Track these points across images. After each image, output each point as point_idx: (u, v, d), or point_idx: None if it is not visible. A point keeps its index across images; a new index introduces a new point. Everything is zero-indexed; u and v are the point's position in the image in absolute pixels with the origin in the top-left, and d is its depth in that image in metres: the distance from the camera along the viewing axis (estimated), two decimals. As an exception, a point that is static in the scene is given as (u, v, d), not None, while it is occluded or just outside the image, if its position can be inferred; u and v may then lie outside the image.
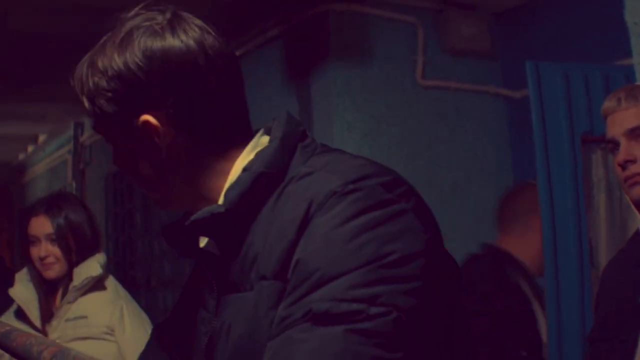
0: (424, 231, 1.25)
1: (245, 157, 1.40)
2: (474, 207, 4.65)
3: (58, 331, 3.02)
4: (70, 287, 3.07)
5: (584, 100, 3.70)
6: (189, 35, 1.37)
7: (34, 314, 3.08)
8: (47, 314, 3.08)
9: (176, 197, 1.45)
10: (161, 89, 1.36)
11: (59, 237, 3.09)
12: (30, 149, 9.87)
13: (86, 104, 1.45)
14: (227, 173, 1.41)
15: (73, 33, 5.24)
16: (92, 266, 3.13)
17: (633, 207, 2.33)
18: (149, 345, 1.65)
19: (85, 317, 3.05)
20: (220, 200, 1.38)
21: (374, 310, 1.15)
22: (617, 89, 2.32)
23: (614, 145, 2.26)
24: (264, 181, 1.35)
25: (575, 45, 4.31)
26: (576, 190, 3.63)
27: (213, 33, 1.40)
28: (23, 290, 3.13)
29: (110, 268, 3.36)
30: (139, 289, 6.65)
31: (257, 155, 1.38)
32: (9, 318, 3.10)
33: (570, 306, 3.56)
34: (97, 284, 3.13)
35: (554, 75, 3.67)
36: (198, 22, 1.41)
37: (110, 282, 3.19)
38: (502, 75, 4.81)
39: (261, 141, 1.43)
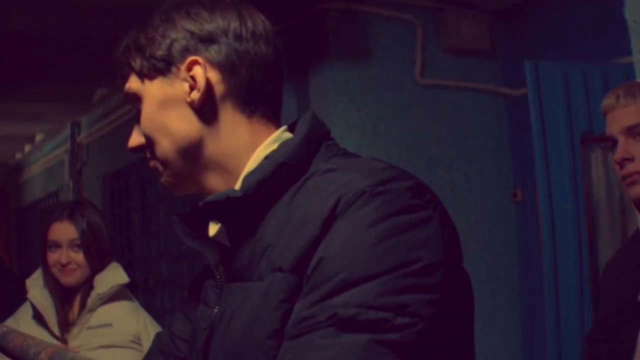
0: (447, 241, 1.23)
1: (266, 147, 1.38)
2: (473, 206, 4.64)
3: (79, 339, 2.98)
4: (93, 294, 3.03)
5: (583, 99, 3.70)
6: (250, 14, 1.43)
7: (52, 321, 3.04)
8: (64, 321, 3.05)
9: (189, 175, 1.42)
10: (210, 38, 1.38)
11: (83, 243, 3.06)
12: (27, 148, 9.87)
13: (135, 60, 1.41)
14: (250, 152, 1.38)
15: (71, 33, 5.24)
16: (118, 274, 3.10)
17: (633, 205, 2.32)
18: (149, 351, 1.63)
19: (109, 324, 3.01)
20: (237, 186, 1.36)
21: (400, 320, 1.12)
22: (616, 86, 2.31)
23: (613, 143, 2.25)
24: (285, 172, 1.32)
25: (575, 44, 4.31)
26: (575, 189, 3.63)
27: (264, 21, 1.45)
28: (40, 296, 3.09)
29: None
30: (136, 289, 6.64)
31: (280, 145, 1.37)
32: (28, 322, 3.06)
33: (570, 305, 3.56)
34: (122, 293, 3.09)
35: (553, 74, 3.66)
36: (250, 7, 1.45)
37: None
38: (502, 74, 4.81)
39: (283, 135, 1.41)
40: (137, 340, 3.04)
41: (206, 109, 1.37)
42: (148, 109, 1.41)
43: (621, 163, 2.21)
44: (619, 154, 2.21)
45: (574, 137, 3.66)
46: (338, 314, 1.12)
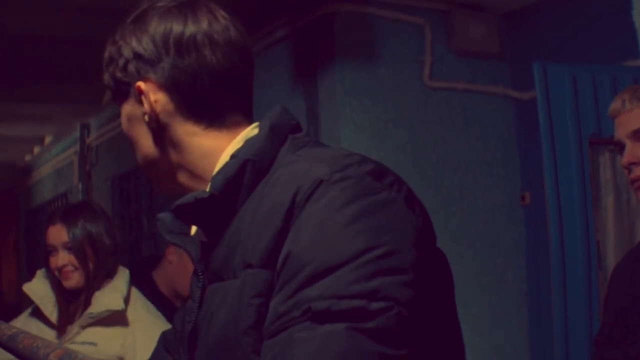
0: (415, 221, 1.23)
1: (235, 145, 1.39)
2: (482, 209, 4.64)
3: None
4: (87, 312, 3.02)
5: (592, 101, 3.69)
6: (197, 19, 1.42)
7: (48, 309, 3.04)
8: (65, 316, 3.04)
9: (164, 178, 1.48)
10: (154, 59, 1.41)
11: (74, 246, 3.05)
12: (36, 150, 9.88)
13: (105, 77, 1.52)
14: (216, 154, 1.40)
15: (79, 34, 5.25)
16: (114, 298, 3.06)
17: None
18: (155, 351, 1.64)
19: (94, 344, 2.99)
20: (208, 187, 1.37)
21: (375, 305, 1.12)
22: (623, 90, 2.31)
23: (621, 147, 2.25)
24: (250, 168, 1.34)
25: (583, 46, 4.30)
26: (584, 192, 3.63)
27: (223, 21, 1.44)
28: (40, 286, 3.09)
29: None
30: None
31: (245, 142, 1.38)
32: (25, 320, 3.07)
33: (578, 308, 3.55)
34: (115, 317, 3.07)
35: (561, 76, 3.66)
36: (211, 7, 1.45)
37: (131, 306, 3.12)
38: (510, 77, 4.80)
39: (251, 133, 1.41)
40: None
41: (159, 129, 1.42)
42: (122, 122, 1.50)
43: (628, 167, 2.21)
44: (625, 158, 2.21)
45: (582, 139, 3.66)
46: (312, 308, 1.12)
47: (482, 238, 4.60)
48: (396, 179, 1.26)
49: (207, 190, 1.36)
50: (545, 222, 4.04)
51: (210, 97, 1.41)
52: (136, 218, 7.26)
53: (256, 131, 1.41)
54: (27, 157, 10.35)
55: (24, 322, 3.02)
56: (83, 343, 2.97)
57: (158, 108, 1.40)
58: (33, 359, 1.40)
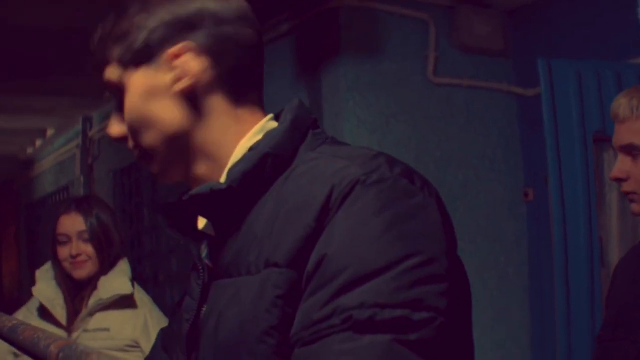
0: (446, 227, 1.19)
1: (251, 138, 1.35)
2: (484, 204, 4.64)
3: (79, 341, 2.98)
4: (95, 297, 3.03)
5: (596, 98, 3.68)
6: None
7: (59, 312, 3.04)
8: (73, 314, 3.04)
9: (176, 164, 1.39)
10: (191, 23, 1.33)
11: (92, 235, 3.06)
12: (38, 143, 9.89)
13: (113, 50, 1.37)
14: (236, 141, 1.35)
15: (81, 26, 5.24)
16: (122, 282, 3.07)
17: None
18: (153, 348, 1.61)
19: (106, 329, 3.01)
20: (223, 177, 1.33)
21: (417, 316, 1.08)
22: (628, 89, 2.27)
23: None
24: (269, 162, 1.28)
25: (588, 43, 4.29)
26: (587, 189, 3.62)
27: (245, 4, 1.40)
28: (47, 289, 3.09)
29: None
30: (146, 284, 6.65)
31: (264, 135, 1.33)
32: (30, 317, 3.06)
33: (580, 304, 3.55)
34: (123, 301, 3.08)
35: (566, 72, 3.65)
36: None
37: (135, 291, 3.15)
38: (514, 73, 4.80)
39: (268, 125, 1.37)
40: (133, 344, 3.03)
41: (193, 99, 1.34)
42: (131, 100, 1.36)
43: (617, 182, 2.19)
44: (612, 172, 2.18)
45: (586, 136, 3.65)
46: (354, 316, 1.08)
47: (484, 233, 4.60)
48: (425, 181, 1.23)
49: (222, 181, 1.31)
50: (547, 218, 4.04)
51: (242, 71, 1.36)
52: (137, 211, 7.27)
53: (273, 124, 1.37)
54: (29, 150, 10.35)
55: (34, 324, 3.01)
56: (95, 330, 2.99)
57: (196, 74, 1.33)
58: (34, 351, 1.39)
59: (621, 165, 2.16)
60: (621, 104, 2.16)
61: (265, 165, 1.28)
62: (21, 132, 9.18)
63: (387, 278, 1.09)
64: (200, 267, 1.36)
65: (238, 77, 1.36)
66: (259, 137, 1.34)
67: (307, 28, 4.56)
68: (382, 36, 4.47)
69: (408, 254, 1.11)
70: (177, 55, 1.33)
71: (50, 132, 9.23)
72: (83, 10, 4.91)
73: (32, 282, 3.17)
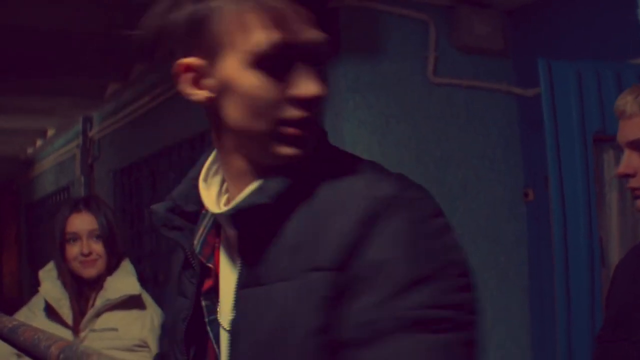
0: None
1: None
2: (484, 204, 4.64)
3: (87, 341, 2.99)
4: (102, 298, 3.03)
5: (596, 98, 3.69)
6: None
7: (65, 312, 3.04)
8: (79, 314, 3.04)
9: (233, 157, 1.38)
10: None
11: (102, 233, 3.07)
12: (38, 143, 9.89)
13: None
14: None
15: (81, 27, 5.25)
16: (130, 282, 3.09)
17: None
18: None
19: (114, 329, 3.01)
20: (250, 189, 1.33)
21: (467, 318, 1.19)
22: (629, 88, 2.28)
23: (622, 148, 2.23)
24: (298, 175, 1.32)
25: (588, 43, 4.29)
26: (587, 189, 3.62)
27: None
28: (53, 289, 3.09)
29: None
30: (146, 284, 6.64)
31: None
32: (33, 317, 3.06)
33: (580, 305, 3.55)
34: (132, 301, 3.09)
35: (566, 73, 3.65)
36: None
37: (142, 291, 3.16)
38: (514, 73, 4.80)
39: None
40: (142, 344, 3.04)
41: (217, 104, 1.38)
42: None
43: (623, 177, 2.18)
44: (620, 168, 2.18)
45: (586, 136, 3.65)
46: (414, 317, 1.15)
47: (484, 233, 4.60)
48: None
49: (251, 191, 1.33)
50: (547, 218, 4.04)
51: None
52: (138, 211, 7.27)
53: None
54: (29, 150, 10.35)
55: (42, 326, 2.99)
56: (103, 329, 3.00)
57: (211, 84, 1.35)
58: (35, 352, 1.40)
59: (629, 161, 2.16)
60: (628, 101, 2.17)
61: (296, 179, 1.31)
62: (21, 132, 9.18)
63: (440, 281, 1.19)
64: (194, 266, 1.41)
65: None
66: None
67: (307, 28, 4.56)
68: (382, 36, 4.47)
69: (454, 261, 1.23)
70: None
71: (50, 132, 9.23)
72: (83, 11, 4.92)
73: (33, 282, 3.17)
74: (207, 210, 1.43)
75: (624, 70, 3.75)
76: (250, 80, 1.27)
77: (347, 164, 1.34)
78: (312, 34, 1.31)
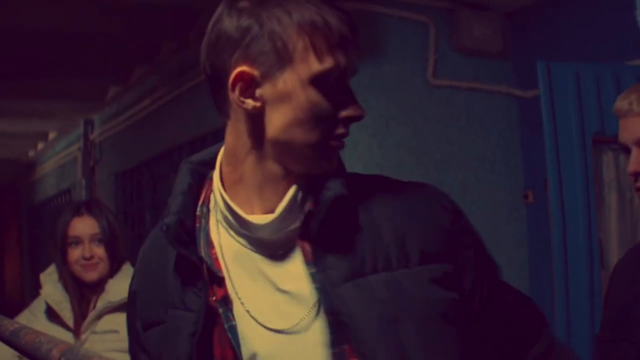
0: None
1: None
2: (484, 206, 4.64)
3: (88, 343, 2.99)
4: (104, 300, 3.04)
5: (595, 100, 3.69)
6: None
7: (66, 314, 3.04)
8: (80, 317, 3.04)
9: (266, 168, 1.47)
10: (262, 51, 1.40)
11: (104, 237, 3.07)
12: (40, 146, 9.89)
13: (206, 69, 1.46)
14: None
15: (82, 30, 5.25)
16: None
17: None
18: None
19: (116, 331, 3.01)
20: (291, 194, 1.44)
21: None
22: (630, 87, 2.26)
23: (625, 148, 2.20)
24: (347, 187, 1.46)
25: (587, 45, 4.30)
26: (587, 191, 3.63)
27: None
28: (55, 292, 3.09)
29: None
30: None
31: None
32: (35, 320, 3.06)
33: (580, 306, 3.55)
34: None
35: (565, 75, 3.66)
36: None
37: None
38: (513, 75, 4.80)
39: None
40: None
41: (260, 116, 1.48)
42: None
43: (634, 176, 2.16)
44: (632, 166, 2.15)
45: (585, 138, 3.66)
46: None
47: (484, 236, 4.56)
48: None
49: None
50: (547, 220, 4.04)
51: None
52: (139, 214, 7.27)
53: None
54: (31, 153, 10.36)
55: (43, 329, 2.99)
56: (105, 332, 2.99)
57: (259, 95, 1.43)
58: (36, 354, 1.40)
59: (639, 158, 2.14)
60: (633, 99, 2.15)
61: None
62: (23, 135, 9.19)
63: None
64: (204, 278, 1.44)
65: None
66: None
67: (307, 31, 4.56)
68: (382, 39, 4.47)
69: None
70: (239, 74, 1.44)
71: (51, 135, 9.24)
72: (84, 13, 4.92)
73: (35, 285, 3.17)
74: (200, 224, 1.49)
75: (622, 72, 3.76)
76: (310, 96, 1.39)
77: (362, 175, 1.58)
78: (357, 62, 1.48)
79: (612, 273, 2.40)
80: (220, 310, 1.43)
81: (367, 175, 1.58)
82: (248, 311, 1.43)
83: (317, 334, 1.41)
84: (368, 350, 1.38)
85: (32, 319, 3.05)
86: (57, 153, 9.34)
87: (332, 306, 1.39)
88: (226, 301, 1.44)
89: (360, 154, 4.25)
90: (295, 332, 1.41)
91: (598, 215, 3.65)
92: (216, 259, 1.46)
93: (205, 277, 1.44)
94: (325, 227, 1.41)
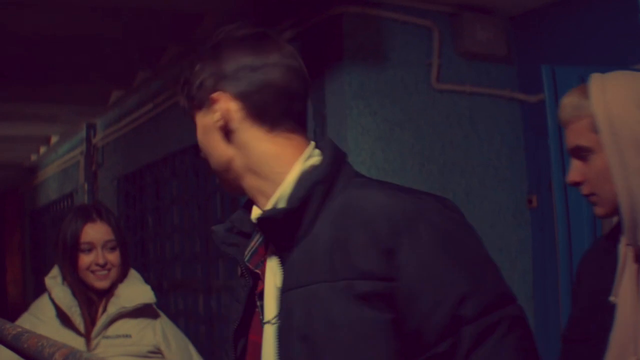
0: None
1: (299, 166, 1.65)
2: (488, 211, 4.63)
3: (100, 347, 2.98)
4: (117, 305, 3.02)
5: (600, 104, 3.67)
6: (265, 51, 1.69)
7: (77, 319, 3.03)
8: (89, 322, 3.03)
9: (231, 181, 1.72)
10: (230, 75, 1.67)
11: (119, 244, 3.07)
12: (42, 150, 9.90)
13: (183, 97, 1.76)
14: (277, 159, 1.66)
15: (84, 34, 5.25)
16: (144, 290, 3.09)
17: None
18: None
19: (128, 336, 3.01)
20: (273, 201, 1.63)
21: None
22: (567, 93, 2.21)
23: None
24: (319, 190, 1.60)
25: (591, 49, 4.29)
26: (591, 195, 3.61)
27: (287, 52, 1.71)
28: (65, 296, 3.07)
29: None
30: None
31: (313, 168, 1.64)
32: (38, 324, 3.04)
33: (585, 312, 3.53)
34: (146, 309, 3.08)
35: (569, 79, 3.65)
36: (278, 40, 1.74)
37: None
38: (518, 79, 4.80)
39: (314, 152, 1.68)
40: (155, 350, 3.03)
41: (230, 132, 1.67)
42: (198, 135, 1.74)
43: (575, 186, 2.14)
44: (568, 177, 2.14)
45: (590, 142, 3.64)
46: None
47: (488, 240, 4.57)
48: None
49: (274, 200, 1.63)
50: (552, 225, 4.03)
51: (271, 106, 1.66)
52: (142, 218, 7.27)
53: (317, 158, 1.67)
54: (33, 157, 10.37)
55: (55, 333, 2.97)
56: (117, 336, 2.99)
57: (228, 114, 1.66)
58: (38, 359, 1.39)
59: (574, 169, 2.11)
60: (565, 106, 2.11)
61: (314, 193, 1.60)
62: (25, 139, 9.20)
63: None
64: (246, 275, 1.69)
65: (268, 112, 1.67)
66: (308, 163, 1.66)
67: (311, 35, 4.56)
68: (385, 43, 4.47)
69: None
70: (216, 101, 1.67)
71: (54, 139, 9.25)
72: (86, 17, 4.93)
73: (37, 288, 3.15)
74: (257, 229, 1.69)
75: (627, 77, 3.75)
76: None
77: (373, 184, 1.62)
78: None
79: (577, 269, 2.34)
80: (258, 303, 1.66)
81: (359, 181, 1.65)
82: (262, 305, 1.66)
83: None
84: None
85: (37, 322, 3.03)
86: (59, 157, 9.35)
87: (277, 308, 1.61)
88: (261, 295, 1.65)
89: (364, 159, 4.24)
90: (272, 324, 1.61)
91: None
92: (266, 259, 1.67)
93: (246, 275, 1.69)
94: (268, 237, 1.64)
